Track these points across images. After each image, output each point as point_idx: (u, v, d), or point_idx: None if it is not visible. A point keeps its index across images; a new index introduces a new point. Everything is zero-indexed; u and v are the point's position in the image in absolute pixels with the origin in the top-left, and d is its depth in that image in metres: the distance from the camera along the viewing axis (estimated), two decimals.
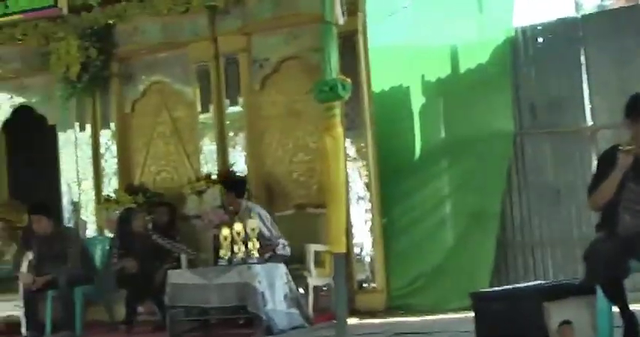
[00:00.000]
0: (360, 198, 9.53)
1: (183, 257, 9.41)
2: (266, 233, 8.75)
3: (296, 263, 8.81)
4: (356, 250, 9.46)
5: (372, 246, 9.48)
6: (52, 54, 10.98)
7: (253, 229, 8.26)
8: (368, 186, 9.53)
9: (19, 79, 11.73)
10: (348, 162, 9.34)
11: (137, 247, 9.64)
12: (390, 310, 9.26)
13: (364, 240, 9.50)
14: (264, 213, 9.02)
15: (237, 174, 9.92)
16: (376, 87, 9.81)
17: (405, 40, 10.05)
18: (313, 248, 8.90)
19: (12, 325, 10.00)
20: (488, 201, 9.51)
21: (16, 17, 9.76)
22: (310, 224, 9.43)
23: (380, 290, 9.37)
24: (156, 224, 10.01)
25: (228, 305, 8.05)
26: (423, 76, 9.99)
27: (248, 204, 9.14)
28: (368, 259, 9.49)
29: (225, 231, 8.34)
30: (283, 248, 8.91)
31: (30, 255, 9.71)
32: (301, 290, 8.67)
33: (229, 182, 9.47)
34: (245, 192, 9.26)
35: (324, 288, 9.23)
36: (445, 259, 9.50)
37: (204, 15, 10.35)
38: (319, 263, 9.04)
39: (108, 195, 10.72)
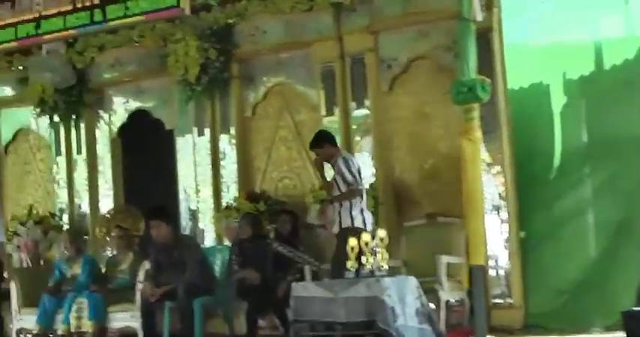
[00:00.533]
0: (494, 207, 9.41)
1: (307, 269, 9.45)
2: (348, 177, 8.63)
3: (427, 276, 8.75)
4: (490, 263, 9.33)
5: (508, 259, 9.35)
6: (170, 56, 11.17)
7: (382, 239, 8.24)
8: (504, 194, 9.41)
9: (136, 83, 12.03)
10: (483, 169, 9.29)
11: (253, 255, 9.74)
12: (528, 328, 9.12)
13: (499, 252, 9.38)
14: (349, 157, 8.91)
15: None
16: (513, 88, 9.67)
17: (544, 36, 9.85)
18: (445, 259, 8.85)
19: None
20: (636, 210, 9.26)
21: (135, 19, 9.94)
22: (442, 234, 9.41)
23: (517, 307, 9.24)
24: (278, 233, 10.10)
25: (355, 321, 8.00)
26: (564, 74, 9.78)
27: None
28: (503, 273, 9.37)
29: (353, 241, 8.33)
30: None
31: (147, 264, 9.91)
32: (432, 305, 8.61)
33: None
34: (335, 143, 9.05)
35: (456, 303, 9.16)
36: (589, 273, 9.27)
37: (329, 13, 10.39)
38: (451, 276, 8.97)
39: (227, 203, 10.84)
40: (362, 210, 8.69)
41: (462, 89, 6.88)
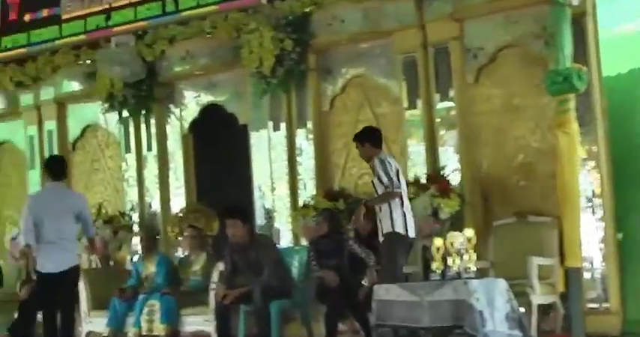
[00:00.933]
0: (589, 205, 9.22)
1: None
2: (384, 179, 8.53)
3: (516, 278, 8.62)
4: (585, 265, 9.13)
5: (604, 261, 9.17)
6: (243, 47, 11.21)
7: (469, 239, 8.14)
8: (599, 191, 9.22)
9: (208, 76, 12.08)
10: None
11: (329, 252, 9.69)
12: (625, 335, 8.95)
13: (594, 253, 9.19)
14: (385, 157, 8.78)
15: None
16: (608, 77, 9.47)
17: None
18: (537, 261, 8.70)
19: None
20: None
21: (208, 9, 9.96)
22: (533, 234, 9.28)
23: (614, 313, 9.07)
24: (357, 233, 10.03)
25: (441, 325, 7.93)
26: None
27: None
28: (599, 276, 9.19)
29: (438, 242, 8.26)
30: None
31: (221, 266, 9.93)
32: (522, 309, 8.47)
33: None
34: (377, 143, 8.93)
35: (549, 307, 9.01)
36: None
37: (411, 0, 10.28)
38: (543, 278, 8.82)
39: (304, 201, 10.82)
40: (404, 214, 8.59)
41: (557, 79, 6.78)
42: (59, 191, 9.38)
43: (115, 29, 10.64)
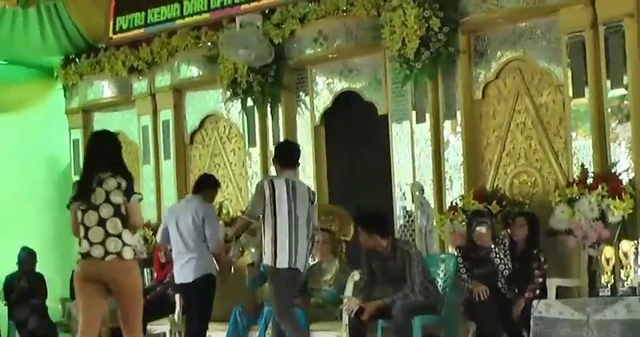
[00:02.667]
0: None
1: (551, 284, 9.33)
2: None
3: None
4: None
5: None
6: (384, 27, 11.30)
7: None
8: None
9: (343, 60, 12.21)
10: None
11: (479, 260, 9.81)
12: None
13: None
14: (267, 179, 9.47)
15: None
16: None
17: None
18: None
19: None
20: None
21: None
22: None
23: None
24: (512, 240, 10.03)
25: None
26: None
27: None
28: None
29: (608, 251, 8.22)
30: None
31: (357, 275, 10.02)
32: None
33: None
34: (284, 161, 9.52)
35: None
36: None
37: None
38: None
39: (452, 203, 10.84)
40: (274, 243, 9.19)
41: None
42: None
43: (242, 7, 10.77)
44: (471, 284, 9.64)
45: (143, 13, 11.42)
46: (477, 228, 9.82)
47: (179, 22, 11.19)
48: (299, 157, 9.83)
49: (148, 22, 11.40)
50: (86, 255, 7.40)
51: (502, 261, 9.72)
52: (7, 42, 13.88)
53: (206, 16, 11.00)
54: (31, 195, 14.80)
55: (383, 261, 9.73)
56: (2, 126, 14.60)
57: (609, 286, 8.13)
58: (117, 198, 7.42)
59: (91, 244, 7.38)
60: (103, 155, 7.60)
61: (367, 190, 11.95)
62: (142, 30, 11.62)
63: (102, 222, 7.39)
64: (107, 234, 7.37)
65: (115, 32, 11.80)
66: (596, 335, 7.92)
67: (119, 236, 7.40)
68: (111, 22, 11.75)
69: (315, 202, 9.58)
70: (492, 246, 9.79)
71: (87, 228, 7.42)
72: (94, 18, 12.82)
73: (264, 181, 9.43)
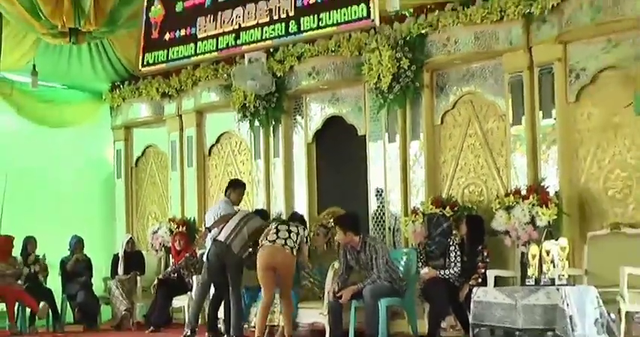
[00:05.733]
0: None
1: (492, 274, 9.38)
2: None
3: (610, 287, 8.54)
4: None
5: None
6: (364, 65, 11.34)
7: (563, 248, 8.11)
8: None
9: (332, 90, 12.24)
10: None
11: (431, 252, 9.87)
12: None
13: None
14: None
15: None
16: None
17: None
18: (628, 270, 8.58)
19: (317, 332, 10.46)
20: None
21: (327, 30, 10.09)
22: (626, 244, 9.14)
23: None
24: (461, 238, 10.07)
25: (534, 327, 7.92)
26: None
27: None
28: None
29: (534, 250, 8.25)
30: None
31: (336, 264, 10.08)
32: (613, 316, 8.38)
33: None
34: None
35: (637, 315, 8.89)
36: None
37: (519, 23, 10.23)
38: (635, 287, 8.69)
39: (415, 207, 10.88)
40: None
41: None
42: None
43: (244, 48, 10.82)
44: (426, 272, 9.73)
45: (165, 50, 11.48)
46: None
47: (194, 58, 11.29)
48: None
49: (170, 58, 11.47)
50: None
51: (453, 255, 9.77)
52: (66, 71, 13.98)
53: (215, 54, 11.07)
54: (82, 193, 14.86)
55: (356, 254, 9.78)
56: (61, 138, 14.65)
57: (534, 277, 8.13)
58: None
59: None
60: None
61: (349, 196, 11.95)
62: (163, 65, 11.71)
63: None
64: None
65: (143, 65, 11.85)
66: (522, 316, 7.92)
67: None
68: (140, 57, 11.80)
69: None
70: (450, 243, 9.85)
71: None
72: (133, 52, 12.89)
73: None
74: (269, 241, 9.79)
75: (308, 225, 11.40)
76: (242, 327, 10.28)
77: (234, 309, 10.16)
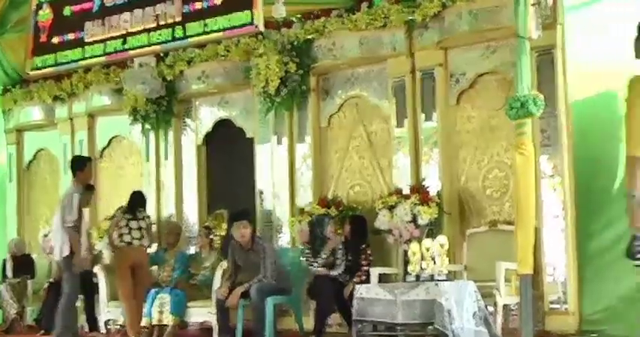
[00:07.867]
0: (555, 216, 9.28)
1: (375, 271, 9.44)
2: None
3: (487, 281, 8.70)
4: (549, 270, 9.22)
5: (566, 267, 9.19)
6: (252, 69, 11.31)
7: (442, 245, 8.24)
8: (563, 204, 9.27)
9: (221, 94, 12.18)
10: (543, 180, 9.20)
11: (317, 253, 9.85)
12: (582, 334, 8.98)
13: (558, 259, 9.23)
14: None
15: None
16: (578, 102, 9.47)
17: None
18: (504, 266, 8.75)
19: (205, 330, 10.41)
20: None
21: (213, 36, 10.07)
22: (502, 241, 9.29)
23: (572, 313, 9.10)
24: (345, 236, 10.13)
25: (414, 322, 8.02)
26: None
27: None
28: (562, 279, 9.21)
29: (415, 247, 8.35)
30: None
31: (225, 264, 10.05)
32: (490, 309, 8.55)
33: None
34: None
35: (514, 307, 9.07)
36: None
37: (402, 30, 10.34)
38: (510, 281, 8.87)
39: (302, 208, 10.90)
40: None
41: (515, 105, 6.85)
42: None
43: (131, 52, 10.73)
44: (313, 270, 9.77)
45: (54, 54, 11.30)
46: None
47: (82, 62, 11.15)
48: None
49: (58, 61, 11.29)
50: None
51: (340, 254, 9.81)
52: None
53: (102, 58, 10.94)
54: None
55: (245, 253, 9.76)
56: None
57: (414, 274, 8.23)
58: None
59: None
60: None
61: (238, 197, 11.84)
62: (52, 69, 11.54)
63: None
64: None
65: (32, 69, 11.66)
66: (402, 311, 8.02)
67: None
68: (29, 61, 11.60)
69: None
70: (334, 242, 9.89)
71: None
72: (22, 57, 12.63)
73: None
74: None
75: (197, 228, 11.44)
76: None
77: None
